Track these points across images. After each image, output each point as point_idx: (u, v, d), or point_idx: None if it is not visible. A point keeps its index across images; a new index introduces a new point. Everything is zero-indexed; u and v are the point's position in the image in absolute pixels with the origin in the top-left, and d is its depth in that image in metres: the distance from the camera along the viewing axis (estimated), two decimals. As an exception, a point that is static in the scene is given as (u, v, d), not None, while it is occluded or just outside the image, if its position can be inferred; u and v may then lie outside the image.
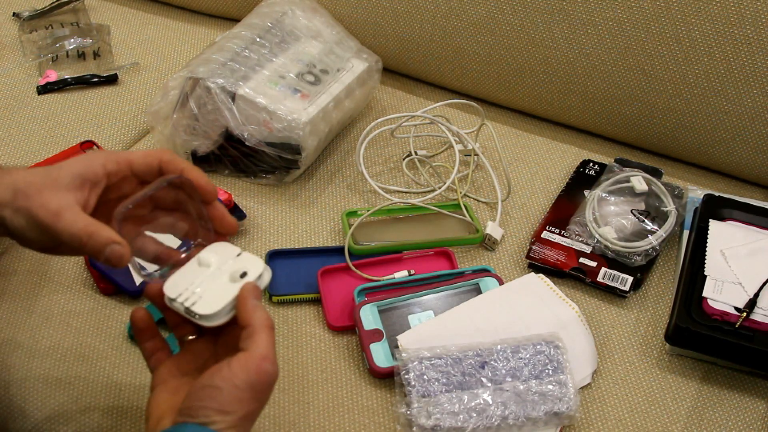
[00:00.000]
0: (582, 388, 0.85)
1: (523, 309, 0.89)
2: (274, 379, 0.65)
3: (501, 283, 0.92)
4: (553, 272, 0.95)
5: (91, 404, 0.83)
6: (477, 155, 1.07)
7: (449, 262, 0.96)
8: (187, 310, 0.68)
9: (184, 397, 0.64)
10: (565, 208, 1.01)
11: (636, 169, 1.04)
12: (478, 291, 0.91)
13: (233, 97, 0.98)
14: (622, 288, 0.92)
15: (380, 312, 0.88)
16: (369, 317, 0.87)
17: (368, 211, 0.99)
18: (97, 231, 0.63)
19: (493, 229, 0.99)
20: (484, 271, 0.94)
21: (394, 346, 0.85)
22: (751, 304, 0.85)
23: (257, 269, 0.69)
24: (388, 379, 0.84)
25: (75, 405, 0.83)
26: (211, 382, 0.63)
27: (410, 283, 0.93)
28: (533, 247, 0.96)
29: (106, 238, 0.63)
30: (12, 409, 0.84)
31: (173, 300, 0.69)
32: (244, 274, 0.69)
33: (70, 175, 0.64)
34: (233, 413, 0.62)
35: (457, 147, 1.05)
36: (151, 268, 0.73)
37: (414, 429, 0.78)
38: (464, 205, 1.03)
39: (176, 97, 1.00)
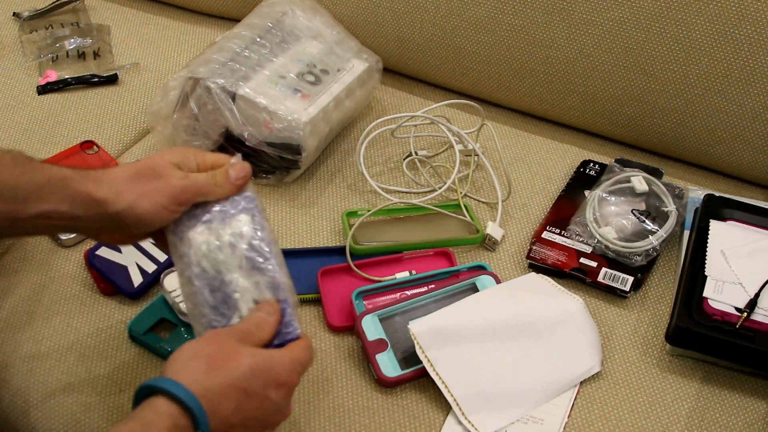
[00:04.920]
0: (582, 387, 0.85)
1: (530, 301, 0.89)
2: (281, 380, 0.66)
3: (498, 280, 0.92)
4: (554, 272, 0.95)
5: (92, 404, 0.83)
6: (477, 155, 1.07)
7: (449, 263, 0.96)
8: (175, 303, 0.86)
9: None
10: (565, 209, 1.01)
11: (636, 170, 1.04)
12: (475, 291, 0.91)
13: (233, 97, 0.98)
14: (623, 288, 0.92)
15: (381, 321, 0.88)
16: (371, 328, 0.87)
17: (369, 211, 0.99)
18: (218, 158, 0.74)
19: (493, 229, 0.99)
20: (480, 269, 0.94)
21: (400, 355, 0.86)
22: (752, 304, 0.85)
23: None
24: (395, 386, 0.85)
25: (75, 405, 0.83)
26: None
27: (406, 283, 0.93)
28: (534, 248, 0.96)
29: (225, 167, 0.73)
30: (13, 408, 0.84)
31: (169, 292, 0.86)
32: None
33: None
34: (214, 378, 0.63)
35: (458, 147, 1.05)
36: None
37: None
38: (464, 206, 1.03)
39: (176, 97, 1.00)
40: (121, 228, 0.70)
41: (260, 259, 0.70)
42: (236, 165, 0.73)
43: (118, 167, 0.71)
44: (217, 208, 0.72)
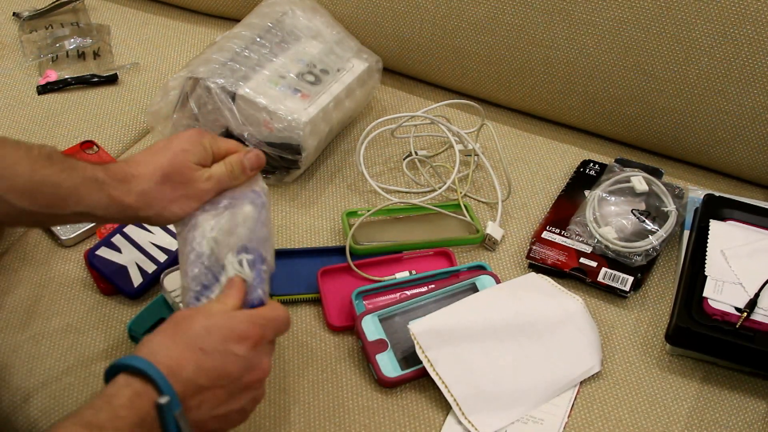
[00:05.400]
0: (583, 387, 0.85)
1: (530, 301, 0.89)
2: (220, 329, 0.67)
3: (498, 280, 0.92)
4: (554, 272, 0.95)
5: (91, 404, 0.83)
6: (477, 155, 1.07)
7: (449, 263, 0.96)
8: (174, 303, 0.86)
9: None
10: (565, 208, 1.01)
11: (636, 169, 1.04)
12: (475, 291, 0.91)
13: (233, 97, 0.98)
14: (623, 288, 0.92)
15: (381, 321, 0.88)
16: (371, 328, 0.87)
17: (369, 211, 0.99)
18: (230, 145, 0.78)
19: (493, 229, 0.99)
20: (480, 269, 0.94)
21: (400, 355, 0.86)
22: (752, 304, 0.85)
23: None
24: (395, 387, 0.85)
25: (75, 404, 0.83)
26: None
27: (406, 283, 0.93)
28: (534, 248, 0.96)
29: (240, 155, 0.77)
30: (13, 408, 0.84)
31: (169, 292, 0.86)
32: None
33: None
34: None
35: (458, 147, 1.05)
36: None
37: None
38: (464, 205, 1.03)
39: (176, 97, 1.00)
40: (146, 224, 0.79)
41: (250, 247, 0.74)
42: (250, 156, 0.78)
43: (146, 161, 0.73)
44: (227, 196, 0.77)
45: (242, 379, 0.67)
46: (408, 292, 0.92)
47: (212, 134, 0.78)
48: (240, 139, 0.99)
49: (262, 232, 0.76)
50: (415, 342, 0.84)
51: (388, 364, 0.84)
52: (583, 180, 1.05)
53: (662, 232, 0.96)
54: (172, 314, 0.70)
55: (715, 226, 0.94)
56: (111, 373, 0.64)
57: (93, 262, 0.92)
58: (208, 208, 0.76)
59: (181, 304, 0.85)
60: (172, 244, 0.94)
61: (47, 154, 0.71)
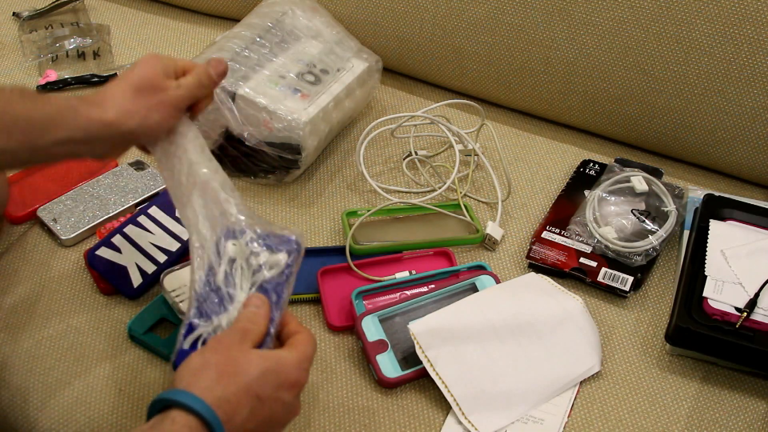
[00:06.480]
0: (582, 387, 0.85)
1: (530, 301, 0.89)
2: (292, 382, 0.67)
3: (498, 280, 0.92)
4: (554, 272, 0.95)
5: (91, 404, 0.83)
6: (477, 155, 1.07)
7: (449, 263, 0.96)
8: (175, 303, 0.86)
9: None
10: (565, 208, 1.01)
11: (636, 169, 1.04)
12: (475, 290, 0.91)
13: (233, 96, 0.98)
14: (623, 288, 0.92)
15: (381, 321, 0.88)
16: (371, 328, 0.87)
17: (368, 211, 0.99)
18: (195, 67, 0.79)
19: (493, 229, 0.99)
20: (480, 268, 0.94)
21: (400, 355, 0.86)
22: (752, 304, 0.85)
23: None
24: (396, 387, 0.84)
25: (75, 404, 0.83)
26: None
27: (406, 283, 0.93)
28: (533, 247, 0.96)
29: (203, 64, 0.79)
30: (12, 408, 0.85)
31: (169, 292, 0.86)
32: None
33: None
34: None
35: (458, 147, 1.05)
36: None
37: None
38: (464, 205, 1.03)
39: (176, 97, 1.00)
40: (132, 143, 0.77)
41: (270, 297, 0.72)
42: (212, 61, 0.79)
43: (114, 85, 0.74)
44: (267, 238, 0.73)
45: (280, 421, 0.68)
46: (408, 292, 0.92)
47: (169, 57, 0.79)
48: (240, 140, 0.99)
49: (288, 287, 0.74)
50: (415, 342, 0.84)
51: (388, 365, 0.84)
52: (583, 180, 1.05)
53: (662, 232, 0.96)
54: (220, 339, 0.68)
55: (715, 226, 0.94)
56: (162, 404, 0.63)
57: (93, 262, 0.92)
58: (242, 239, 0.73)
59: (181, 304, 0.85)
60: (171, 244, 0.94)
61: (20, 91, 0.71)
